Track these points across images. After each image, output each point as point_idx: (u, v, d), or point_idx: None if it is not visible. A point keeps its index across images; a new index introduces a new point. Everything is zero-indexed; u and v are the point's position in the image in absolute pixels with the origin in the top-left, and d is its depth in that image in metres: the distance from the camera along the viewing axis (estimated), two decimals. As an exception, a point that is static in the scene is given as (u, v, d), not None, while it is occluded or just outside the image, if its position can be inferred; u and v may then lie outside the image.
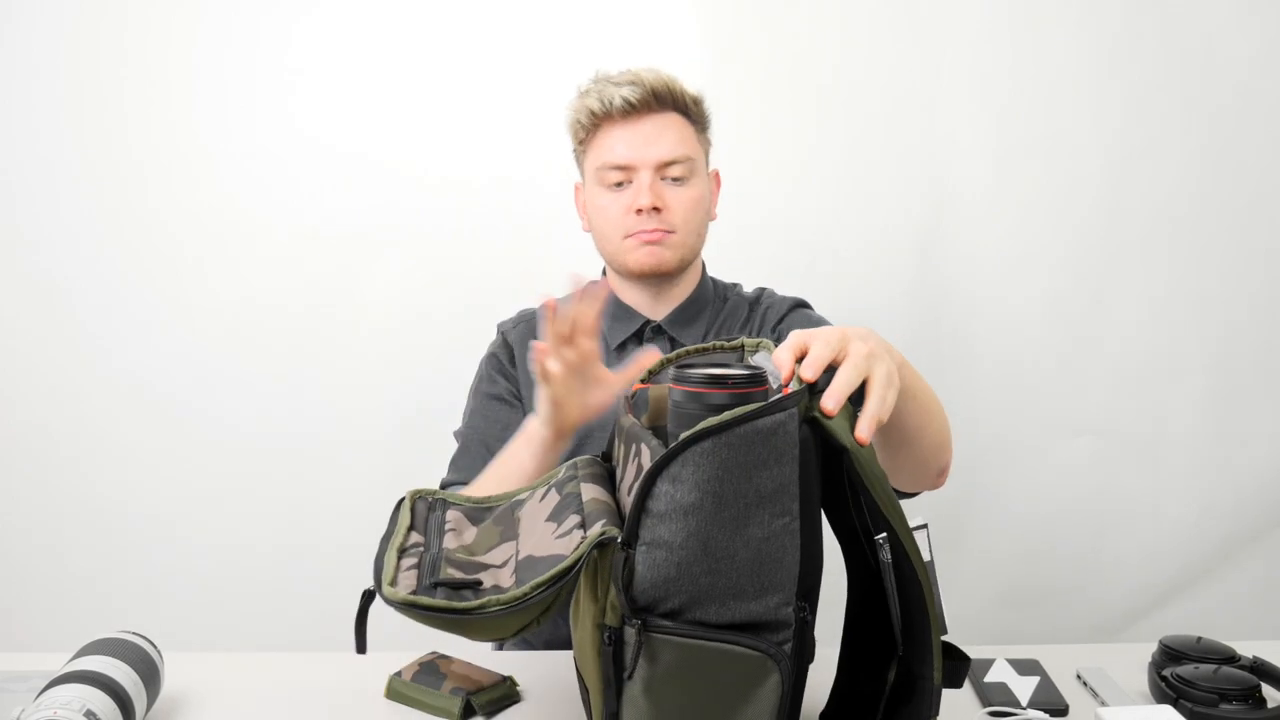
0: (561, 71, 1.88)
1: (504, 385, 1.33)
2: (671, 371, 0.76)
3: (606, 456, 0.91)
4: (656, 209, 1.25)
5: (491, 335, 1.43)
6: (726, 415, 0.68)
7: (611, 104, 1.25)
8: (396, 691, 0.99)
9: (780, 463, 0.69)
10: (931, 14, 1.90)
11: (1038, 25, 1.90)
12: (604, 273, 1.40)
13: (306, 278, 1.90)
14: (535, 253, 1.89)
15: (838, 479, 0.76)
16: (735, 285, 1.42)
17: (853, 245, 1.92)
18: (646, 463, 0.72)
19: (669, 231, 1.26)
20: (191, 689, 1.01)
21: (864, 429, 0.74)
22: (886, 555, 0.74)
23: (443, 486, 1.26)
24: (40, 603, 1.93)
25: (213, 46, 1.87)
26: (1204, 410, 1.97)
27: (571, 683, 1.02)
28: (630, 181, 1.26)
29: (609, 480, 0.84)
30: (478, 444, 1.29)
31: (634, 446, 0.77)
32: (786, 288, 1.44)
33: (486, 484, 1.12)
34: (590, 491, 0.80)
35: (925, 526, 0.77)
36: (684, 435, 0.68)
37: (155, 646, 0.96)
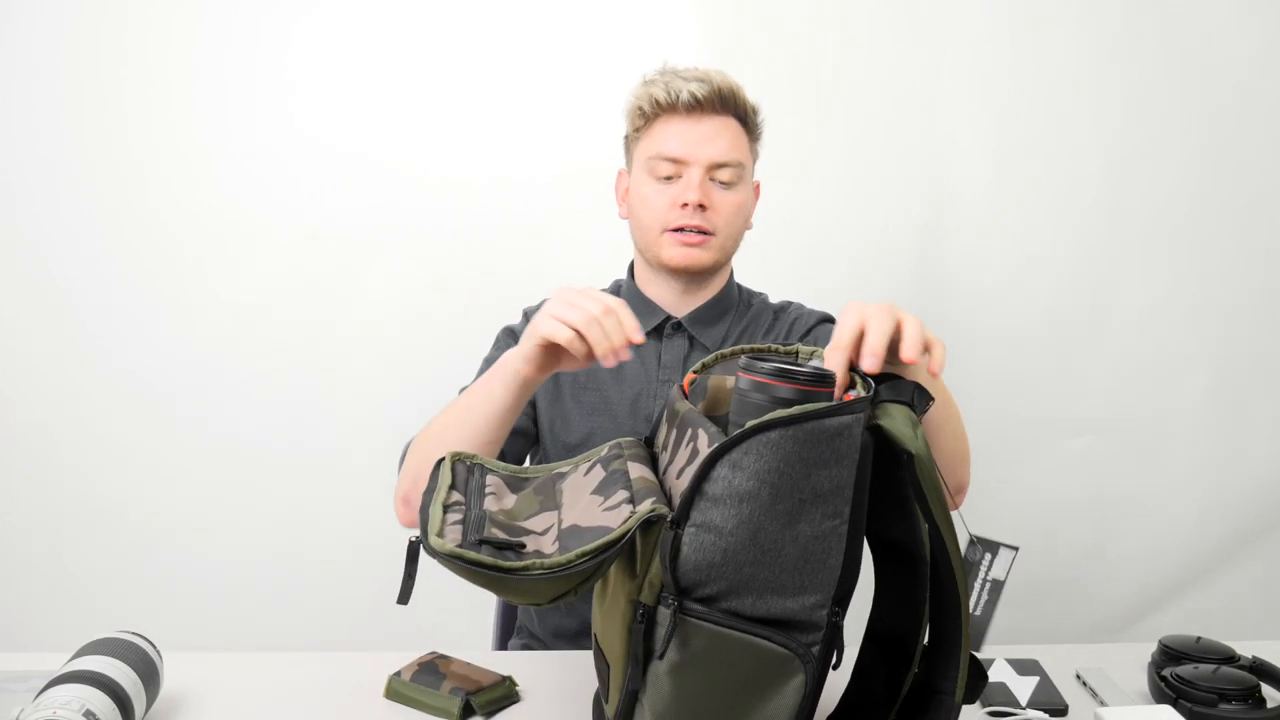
0: (562, 72, 1.89)
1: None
2: (742, 360, 0.77)
3: (649, 441, 0.91)
4: (702, 206, 1.24)
5: (493, 335, 1.42)
6: (797, 409, 0.68)
7: (678, 97, 1.24)
8: (396, 691, 0.99)
9: (840, 464, 0.70)
10: (931, 14, 1.90)
11: (1038, 25, 1.90)
12: (630, 267, 1.38)
13: (306, 278, 1.90)
14: (535, 253, 1.89)
15: (887, 486, 0.76)
16: (762, 294, 1.42)
17: (853, 245, 1.92)
18: (704, 447, 0.72)
19: (710, 233, 1.26)
20: (191, 689, 1.01)
21: (935, 365, 0.84)
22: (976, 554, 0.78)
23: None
24: (40, 603, 1.93)
25: (213, 47, 1.87)
26: (1205, 410, 1.97)
27: (571, 683, 1.02)
28: (679, 176, 1.26)
29: (653, 464, 0.84)
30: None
31: (689, 431, 0.77)
32: (786, 288, 1.44)
33: (453, 410, 1.12)
34: (637, 470, 0.80)
35: (1017, 549, 0.77)
36: (751, 423, 0.68)
37: (154, 646, 0.97)
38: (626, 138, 1.35)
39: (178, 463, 1.92)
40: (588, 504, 0.78)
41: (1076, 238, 1.94)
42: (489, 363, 1.33)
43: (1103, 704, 0.98)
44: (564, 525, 0.77)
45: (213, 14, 1.86)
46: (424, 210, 1.90)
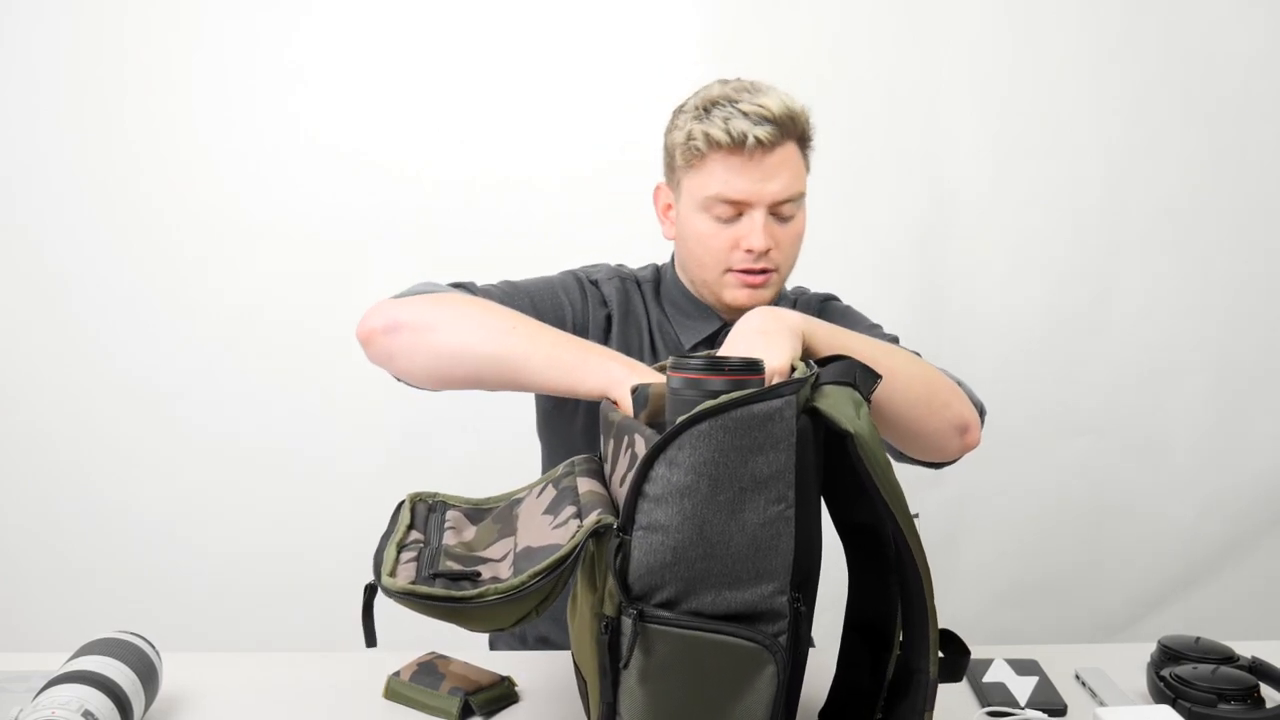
0: (563, 71, 1.89)
1: (576, 312, 1.21)
2: (670, 360, 0.77)
3: (601, 457, 0.91)
4: (766, 250, 1.16)
5: None
6: (724, 398, 0.69)
7: (744, 141, 1.11)
8: (395, 691, 0.99)
9: (776, 449, 0.70)
10: (931, 14, 1.90)
11: (1038, 25, 1.90)
12: (672, 258, 1.30)
13: (308, 279, 1.91)
14: (536, 253, 1.88)
15: (842, 469, 0.76)
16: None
17: (852, 245, 1.92)
18: (641, 451, 0.72)
19: (773, 271, 1.18)
20: (190, 689, 1.01)
21: None
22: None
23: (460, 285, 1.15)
24: (40, 603, 1.93)
25: (214, 47, 1.87)
26: (1204, 410, 1.97)
27: (570, 683, 1.02)
28: (739, 216, 1.15)
29: (603, 475, 0.85)
30: (533, 298, 1.19)
31: (625, 439, 0.77)
32: (785, 287, 1.44)
33: (490, 333, 0.96)
34: (586, 484, 0.80)
35: (916, 515, 0.77)
36: (681, 418, 0.69)
37: (153, 646, 0.97)
38: (671, 158, 1.22)
39: (178, 462, 1.92)
40: (539, 524, 0.78)
41: (1076, 238, 1.94)
42: (545, 283, 1.23)
43: (1102, 704, 0.98)
44: (519, 548, 0.77)
45: (214, 13, 1.86)
46: (425, 210, 1.90)
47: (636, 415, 0.82)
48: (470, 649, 1.08)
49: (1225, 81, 1.91)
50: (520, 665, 1.05)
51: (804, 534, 0.73)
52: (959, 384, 1.09)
